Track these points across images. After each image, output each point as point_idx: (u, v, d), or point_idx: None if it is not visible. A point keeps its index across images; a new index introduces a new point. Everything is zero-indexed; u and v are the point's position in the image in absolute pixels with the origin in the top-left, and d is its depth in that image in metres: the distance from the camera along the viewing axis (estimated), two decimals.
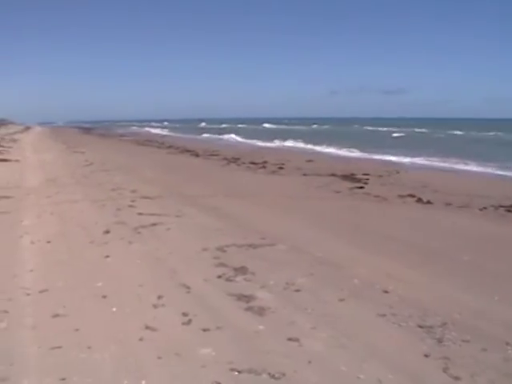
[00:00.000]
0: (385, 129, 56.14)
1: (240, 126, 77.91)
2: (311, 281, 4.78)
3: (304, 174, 13.55)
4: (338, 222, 7.58)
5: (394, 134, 42.44)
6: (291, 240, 6.31)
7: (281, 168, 15.00)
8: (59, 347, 3.35)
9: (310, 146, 27.66)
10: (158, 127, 78.49)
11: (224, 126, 79.11)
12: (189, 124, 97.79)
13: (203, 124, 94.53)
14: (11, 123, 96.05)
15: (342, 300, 4.31)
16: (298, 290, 4.52)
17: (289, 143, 30.99)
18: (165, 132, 58.63)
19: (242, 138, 38.98)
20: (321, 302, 4.24)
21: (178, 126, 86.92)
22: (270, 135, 38.62)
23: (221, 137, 41.92)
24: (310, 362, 3.22)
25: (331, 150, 24.61)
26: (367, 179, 12.28)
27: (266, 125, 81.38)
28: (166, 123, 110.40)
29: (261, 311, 4.04)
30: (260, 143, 32.29)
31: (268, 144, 31.32)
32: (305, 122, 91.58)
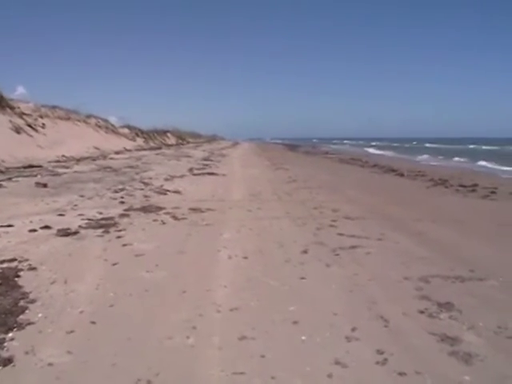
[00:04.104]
0: None
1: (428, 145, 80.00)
2: None
3: None
4: None
5: None
6: (505, 275, 5.63)
7: (493, 192, 13.69)
8: (242, 373, 3.31)
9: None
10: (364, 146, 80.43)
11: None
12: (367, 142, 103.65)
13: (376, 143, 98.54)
14: (221, 139, 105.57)
15: None
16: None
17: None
18: (372, 150, 58.93)
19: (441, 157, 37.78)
20: None
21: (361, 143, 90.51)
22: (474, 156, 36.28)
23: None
24: None
25: None
26: None
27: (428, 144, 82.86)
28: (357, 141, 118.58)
29: (467, 358, 3.58)
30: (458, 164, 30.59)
31: (467, 165, 29.37)
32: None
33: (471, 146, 69.03)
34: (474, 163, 30.68)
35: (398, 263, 6.14)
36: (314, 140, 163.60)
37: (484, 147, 64.52)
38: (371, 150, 58.63)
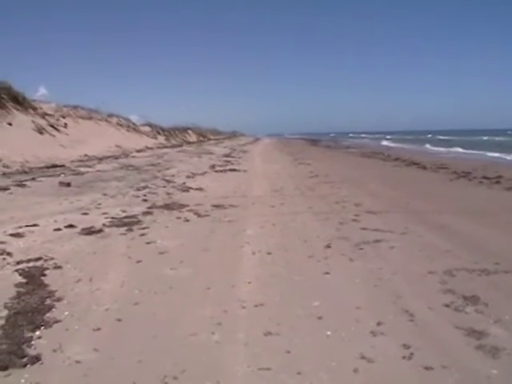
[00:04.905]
0: None
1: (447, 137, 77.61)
2: None
3: None
4: None
5: None
6: None
7: None
8: (268, 369, 3.30)
9: None
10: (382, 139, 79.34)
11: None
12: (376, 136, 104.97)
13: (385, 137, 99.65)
14: (242, 135, 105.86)
15: None
16: None
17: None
18: (390, 144, 58.46)
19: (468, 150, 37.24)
20: None
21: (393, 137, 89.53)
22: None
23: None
24: None
25: None
26: None
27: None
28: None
29: (494, 352, 3.52)
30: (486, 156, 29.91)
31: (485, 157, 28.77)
32: None
33: (485, 138, 67.75)
34: (491, 155, 30.11)
35: (422, 257, 6.08)
36: (332, 134, 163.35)
37: (497, 138, 63.21)
38: (390, 144, 58.03)
